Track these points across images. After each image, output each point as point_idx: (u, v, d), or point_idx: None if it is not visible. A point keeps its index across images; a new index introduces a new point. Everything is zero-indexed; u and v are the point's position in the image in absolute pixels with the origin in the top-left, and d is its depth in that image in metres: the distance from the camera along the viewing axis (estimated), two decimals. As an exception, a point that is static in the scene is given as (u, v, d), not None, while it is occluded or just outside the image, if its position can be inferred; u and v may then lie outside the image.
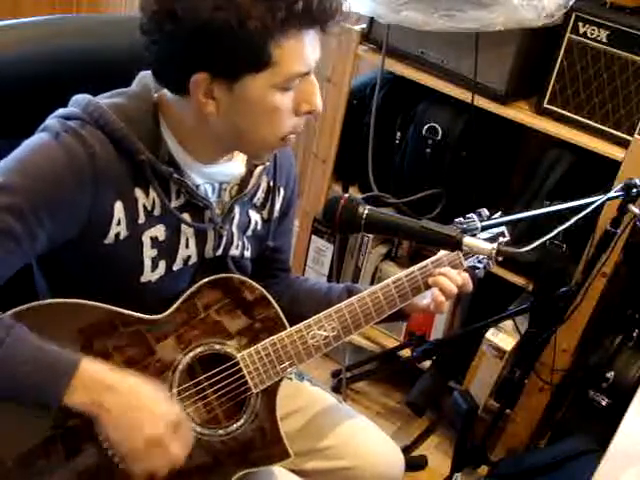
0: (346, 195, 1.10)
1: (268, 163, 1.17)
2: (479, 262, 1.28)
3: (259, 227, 1.21)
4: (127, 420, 0.95)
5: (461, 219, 1.23)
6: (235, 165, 1.13)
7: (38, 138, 1.00)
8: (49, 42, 1.19)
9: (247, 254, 1.20)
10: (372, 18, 1.88)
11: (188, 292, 1.09)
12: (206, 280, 1.10)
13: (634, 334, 1.84)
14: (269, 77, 0.96)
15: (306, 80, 1.01)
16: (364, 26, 1.96)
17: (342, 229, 1.10)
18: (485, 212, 1.25)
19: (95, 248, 1.03)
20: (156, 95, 1.05)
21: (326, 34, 1.00)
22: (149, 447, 0.96)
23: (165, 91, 1.04)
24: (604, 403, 1.79)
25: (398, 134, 2.00)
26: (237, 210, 1.16)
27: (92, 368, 0.95)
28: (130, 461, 0.98)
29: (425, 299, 1.22)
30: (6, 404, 0.96)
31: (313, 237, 2.24)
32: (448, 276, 1.19)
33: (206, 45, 0.93)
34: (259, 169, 1.16)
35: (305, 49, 0.97)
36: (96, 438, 1.01)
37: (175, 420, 0.99)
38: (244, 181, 1.15)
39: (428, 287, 1.19)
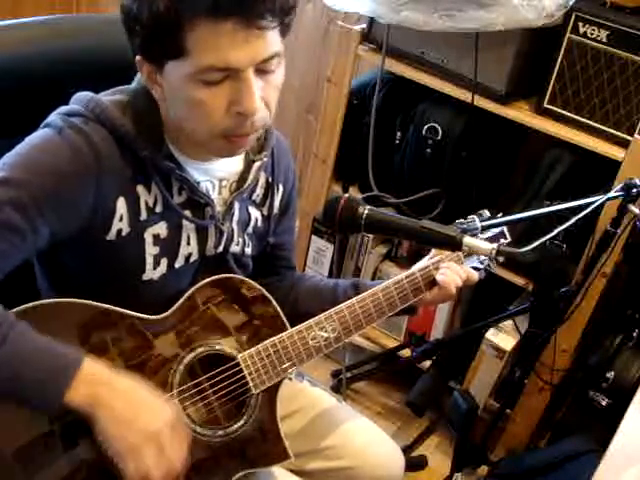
0: (346, 195, 1.10)
1: (266, 159, 1.17)
2: (480, 263, 1.28)
3: (259, 224, 1.21)
4: (125, 415, 0.95)
5: (462, 220, 1.23)
6: (232, 161, 1.13)
7: (42, 133, 1.00)
8: (49, 42, 1.20)
9: (248, 251, 1.20)
10: (372, 18, 1.87)
11: (189, 292, 1.09)
12: (207, 280, 1.10)
13: (634, 334, 1.84)
14: (185, 66, 0.93)
15: (237, 78, 0.95)
16: (364, 26, 1.96)
17: (342, 229, 1.10)
18: (486, 213, 1.25)
19: (97, 244, 1.03)
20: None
21: (261, 29, 0.92)
22: (145, 443, 0.95)
23: None
24: (604, 403, 1.79)
25: (398, 134, 2.00)
26: (237, 207, 1.16)
27: (94, 367, 0.96)
28: (125, 459, 0.95)
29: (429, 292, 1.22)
30: (5, 401, 0.96)
31: (313, 237, 2.24)
32: (452, 269, 1.20)
33: (130, 28, 0.94)
34: (257, 165, 1.15)
35: (222, 42, 0.91)
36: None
37: (173, 419, 0.99)
38: (242, 177, 1.15)
39: (429, 288, 1.19)
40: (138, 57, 0.98)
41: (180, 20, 0.90)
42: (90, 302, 1.02)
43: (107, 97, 1.04)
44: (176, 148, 1.06)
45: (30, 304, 0.99)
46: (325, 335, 1.13)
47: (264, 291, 1.14)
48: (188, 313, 1.09)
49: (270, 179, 1.21)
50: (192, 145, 1.06)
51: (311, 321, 1.13)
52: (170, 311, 1.08)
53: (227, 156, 1.09)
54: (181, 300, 1.09)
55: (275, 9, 0.93)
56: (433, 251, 1.25)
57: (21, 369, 0.92)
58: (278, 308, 1.15)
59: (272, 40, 0.95)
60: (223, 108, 0.97)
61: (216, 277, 1.11)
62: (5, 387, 0.93)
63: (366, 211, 1.08)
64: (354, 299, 1.16)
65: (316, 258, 2.26)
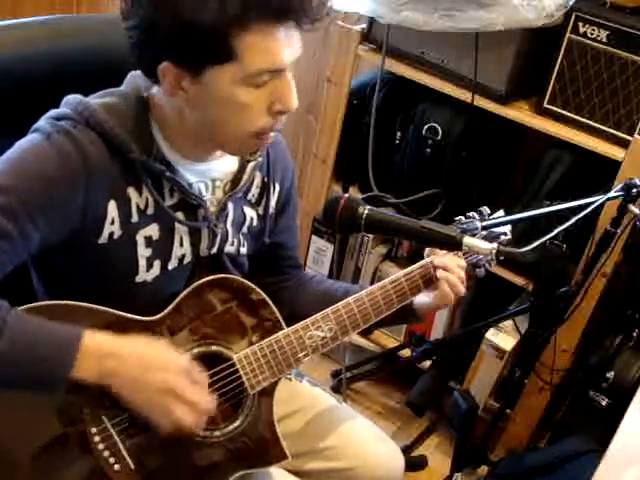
0: (346, 195, 1.10)
1: (260, 159, 1.16)
2: (479, 261, 1.28)
3: (255, 223, 1.21)
4: (136, 376, 0.97)
5: (462, 218, 1.22)
6: (226, 161, 1.13)
7: (30, 139, 1.00)
8: (49, 42, 1.20)
9: (243, 251, 1.20)
10: (372, 18, 1.87)
11: (185, 292, 1.09)
12: (202, 280, 1.10)
13: (634, 334, 1.84)
14: (233, 71, 0.94)
15: (280, 78, 0.98)
16: (364, 26, 1.96)
17: (342, 229, 1.10)
18: (486, 210, 1.25)
19: (89, 248, 1.03)
20: (146, 94, 1.05)
21: (304, 31, 0.97)
22: (164, 396, 0.98)
23: (153, 89, 1.05)
24: (604, 403, 1.79)
25: (398, 134, 2.00)
26: (231, 207, 1.16)
27: (95, 338, 0.97)
28: (153, 417, 0.99)
29: (430, 296, 1.20)
30: (16, 402, 0.97)
31: (313, 237, 2.24)
32: (455, 274, 1.18)
33: (165, 35, 0.93)
34: (251, 165, 1.15)
35: (274, 45, 0.94)
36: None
37: (184, 366, 1.01)
38: (237, 177, 1.15)
39: (427, 286, 1.19)
40: (166, 64, 0.96)
41: (228, 28, 0.90)
42: (86, 304, 1.02)
43: (96, 100, 1.03)
44: (170, 149, 1.06)
45: (27, 306, 0.99)
46: (322, 334, 1.13)
47: (259, 290, 1.13)
48: (185, 314, 1.09)
49: (266, 179, 1.21)
50: (191, 147, 1.06)
51: (307, 320, 1.13)
52: (166, 311, 1.08)
53: (247, 154, 1.11)
54: (177, 300, 1.08)
55: (323, 11, 0.96)
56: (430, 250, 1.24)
57: (23, 355, 0.93)
58: (273, 306, 1.14)
59: (300, 39, 0.98)
60: (264, 108, 0.99)
61: (212, 277, 1.10)
62: (10, 371, 0.93)
63: (366, 211, 1.08)
64: (350, 298, 1.15)
65: (316, 258, 2.26)
